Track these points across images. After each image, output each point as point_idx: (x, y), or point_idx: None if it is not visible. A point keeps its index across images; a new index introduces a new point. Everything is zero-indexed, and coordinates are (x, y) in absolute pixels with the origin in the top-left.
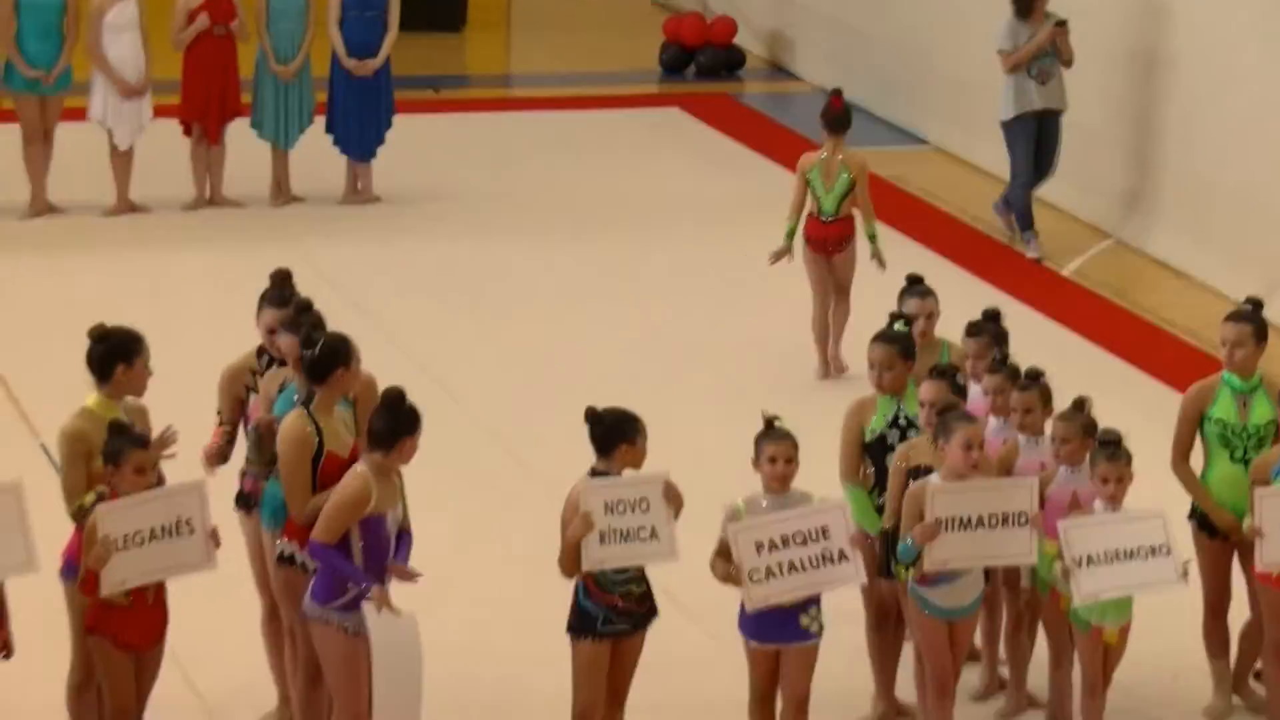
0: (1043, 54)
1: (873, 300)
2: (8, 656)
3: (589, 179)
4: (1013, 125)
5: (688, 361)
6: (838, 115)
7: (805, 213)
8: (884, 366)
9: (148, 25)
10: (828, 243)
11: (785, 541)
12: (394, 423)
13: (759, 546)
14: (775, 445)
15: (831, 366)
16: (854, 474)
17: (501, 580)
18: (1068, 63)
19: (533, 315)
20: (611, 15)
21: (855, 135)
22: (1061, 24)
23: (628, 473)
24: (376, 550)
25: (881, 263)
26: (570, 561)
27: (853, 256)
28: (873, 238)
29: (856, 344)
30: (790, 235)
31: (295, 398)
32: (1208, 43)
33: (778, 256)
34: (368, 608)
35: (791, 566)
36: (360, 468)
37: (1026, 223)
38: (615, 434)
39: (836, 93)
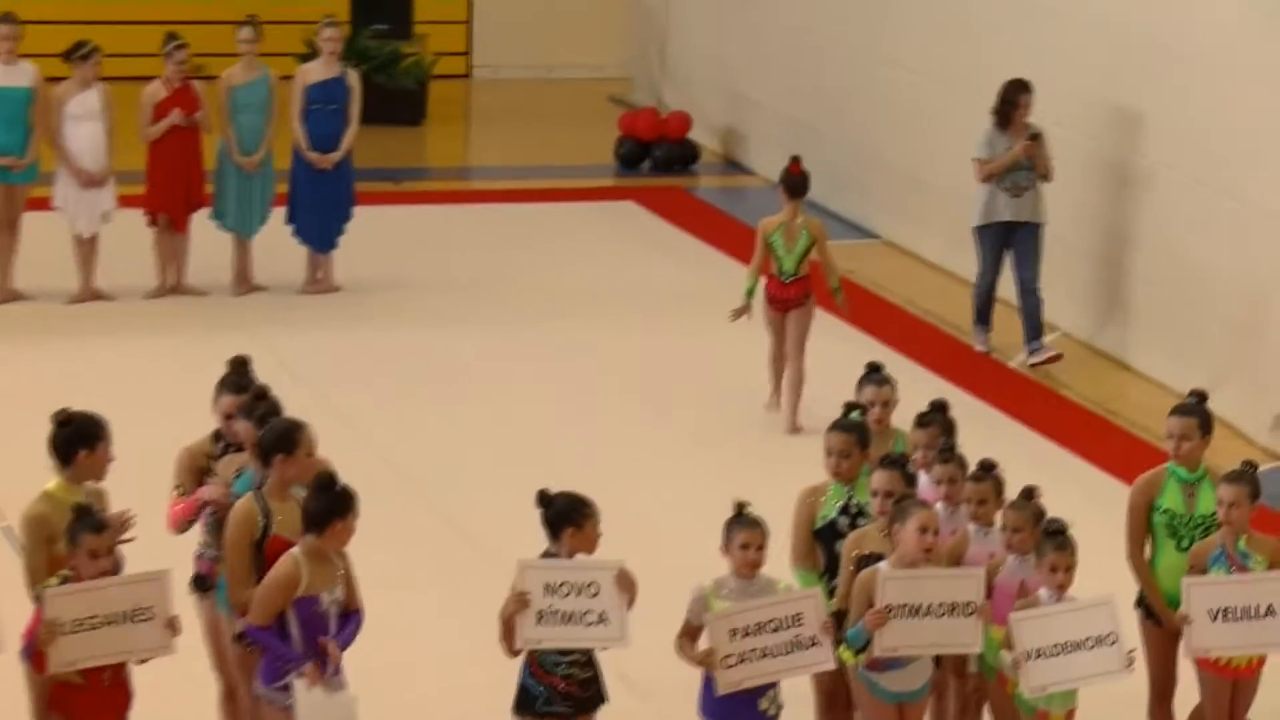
0: (1018, 166)
1: (827, 385)
2: None
3: (545, 269)
4: (979, 232)
5: (641, 444)
6: (796, 181)
7: (764, 274)
8: (841, 454)
9: (114, 116)
10: (788, 301)
11: (760, 628)
12: (325, 505)
13: (733, 633)
14: (746, 533)
15: (789, 424)
16: (806, 558)
17: (454, 660)
18: (1044, 177)
19: (488, 402)
20: (569, 110)
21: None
22: (1035, 137)
23: (580, 557)
24: (312, 630)
25: (843, 307)
26: (507, 637)
27: (809, 313)
28: (837, 290)
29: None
30: (749, 294)
31: (252, 482)
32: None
33: (738, 314)
34: (298, 685)
35: (765, 653)
36: (294, 550)
37: (979, 317)
38: (562, 518)
39: (795, 160)
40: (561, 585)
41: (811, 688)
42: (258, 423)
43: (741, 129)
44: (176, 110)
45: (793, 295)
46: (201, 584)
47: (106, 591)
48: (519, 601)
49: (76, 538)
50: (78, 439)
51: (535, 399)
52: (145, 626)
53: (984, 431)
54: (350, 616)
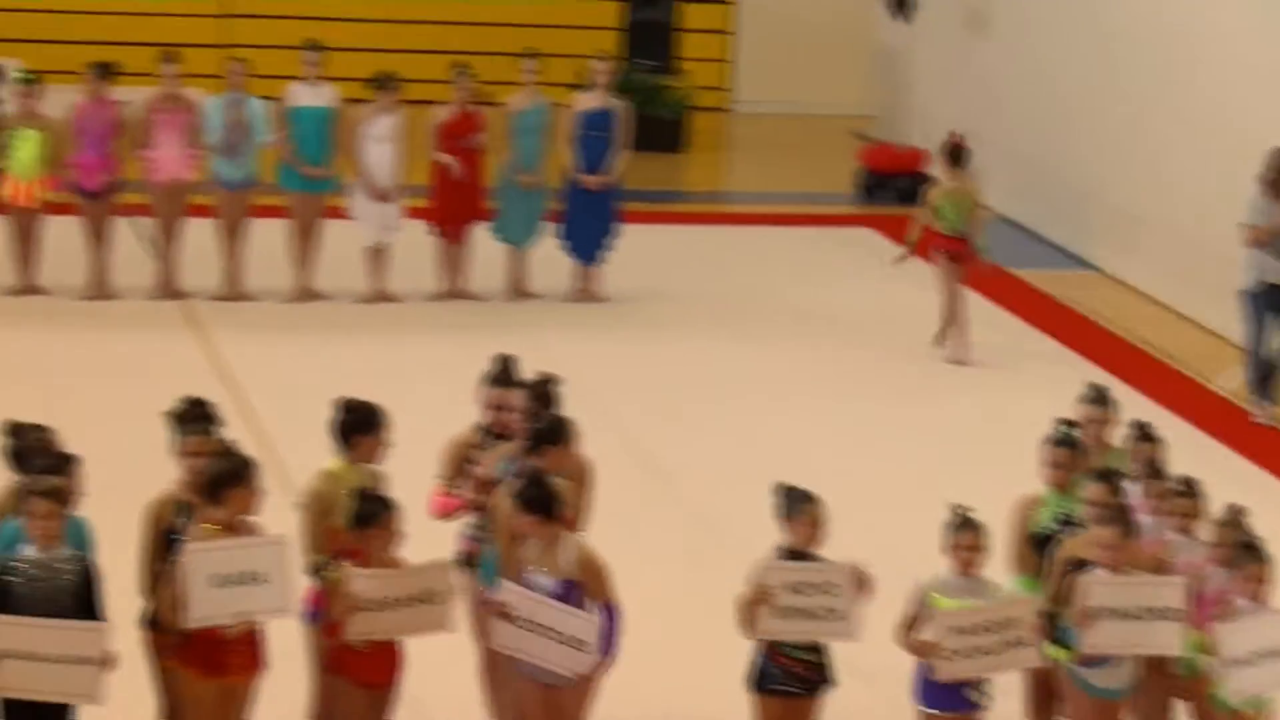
0: None
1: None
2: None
3: (790, 287)
4: (1249, 296)
5: (871, 450)
6: (957, 151)
7: (926, 229)
8: (1055, 466)
9: (407, 135)
10: (955, 252)
11: (979, 628)
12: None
13: (955, 630)
14: (968, 535)
15: (956, 354)
16: (1023, 565)
17: (698, 638)
18: None
19: (736, 407)
20: (814, 142)
21: (1026, 258)
22: None
23: (822, 561)
24: None
25: (986, 262)
26: (746, 623)
27: (970, 263)
28: (983, 249)
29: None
30: (911, 245)
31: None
32: None
33: (901, 259)
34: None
35: (981, 650)
36: None
37: (1253, 388)
38: (782, 511)
39: (954, 133)
40: (803, 584)
41: (1021, 680)
42: (532, 412)
43: (974, 164)
44: (456, 160)
45: (957, 247)
46: (467, 561)
47: (402, 577)
48: (760, 595)
49: (373, 517)
50: (357, 424)
51: (780, 404)
52: (432, 608)
53: (1188, 452)
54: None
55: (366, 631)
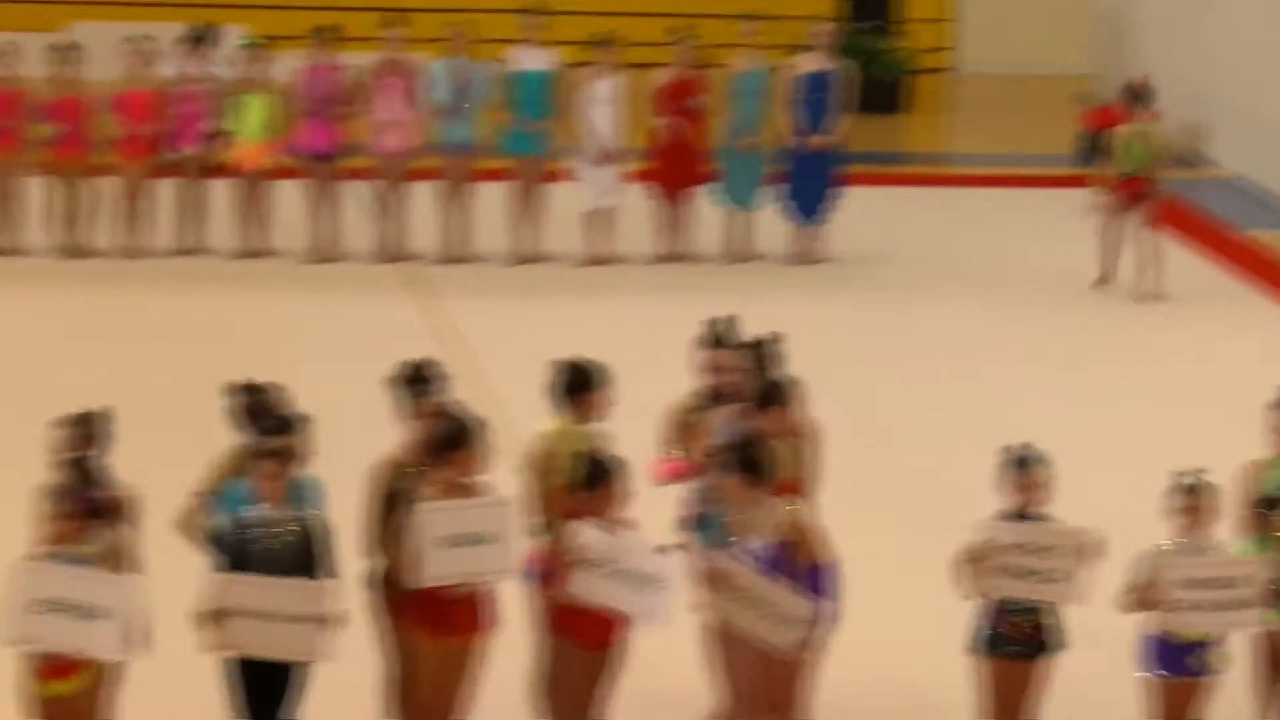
0: None
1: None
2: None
3: (1011, 249)
4: None
5: (1092, 411)
6: (1142, 91)
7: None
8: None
9: (628, 98)
10: (1138, 192)
11: (1207, 583)
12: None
13: (1184, 582)
14: (1192, 498)
15: (1143, 291)
16: (1253, 527)
17: (925, 606)
18: None
19: (959, 368)
20: (1036, 104)
21: (1257, 218)
22: None
23: (1048, 524)
24: None
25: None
26: (964, 581)
27: (1154, 203)
28: (1162, 188)
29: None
30: (1101, 196)
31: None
32: None
33: (1093, 209)
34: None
35: (1209, 605)
36: None
37: None
38: (1003, 475)
39: (1143, 76)
40: (1025, 546)
41: (1249, 648)
42: (753, 373)
43: (1202, 122)
44: (671, 119)
45: (1141, 188)
46: (691, 524)
47: (626, 541)
48: (979, 555)
49: (599, 480)
50: (580, 384)
51: (1001, 368)
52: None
53: None
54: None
55: (587, 591)
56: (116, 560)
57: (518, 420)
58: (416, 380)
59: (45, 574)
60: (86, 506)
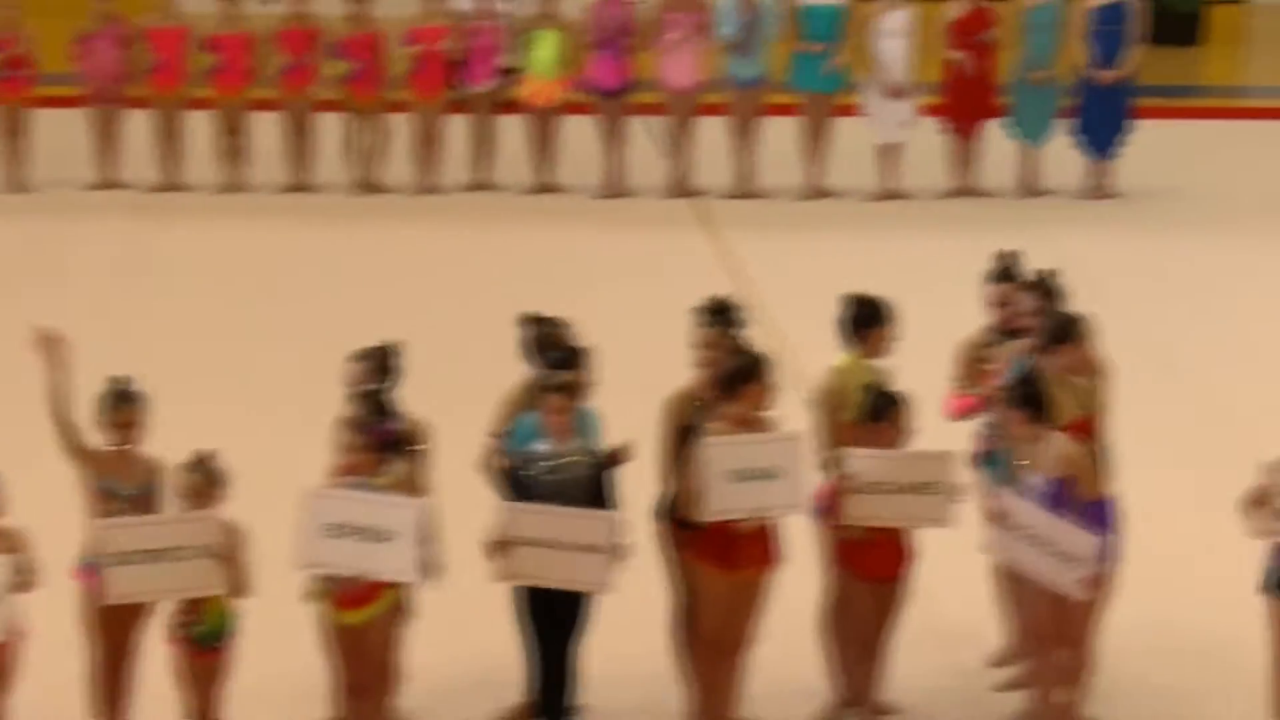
0: None
1: None
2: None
3: None
4: None
5: None
6: None
7: None
8: None
9: (918, 33)
10: None
11: None
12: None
13: None
14: None
15: None
16: None
17: (1218, 544)
18: None
19: (1254, 305)
20: None
21: None
22: None
23: None
24: None
25: None
26: (1251, 521)
27: None
28: None
29: None
30: None
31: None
32: None
33: None
34: None
35: None
36: None
37: None
38: None
39: None
40: None
41: None
42: (1042, 309)
43: None
44: (961, 52)
45: None
46: (978, 459)
47: (902, 461)
48: (1265, 494)
49: (883, 413)
50: (868, 318)
51: None
52: (931, 499)
53: None
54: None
55: (863, 516)
56: (409, 491)
57: (805, 356)
58: (715, 315)
59: (338, 500)
60: (379, 439)
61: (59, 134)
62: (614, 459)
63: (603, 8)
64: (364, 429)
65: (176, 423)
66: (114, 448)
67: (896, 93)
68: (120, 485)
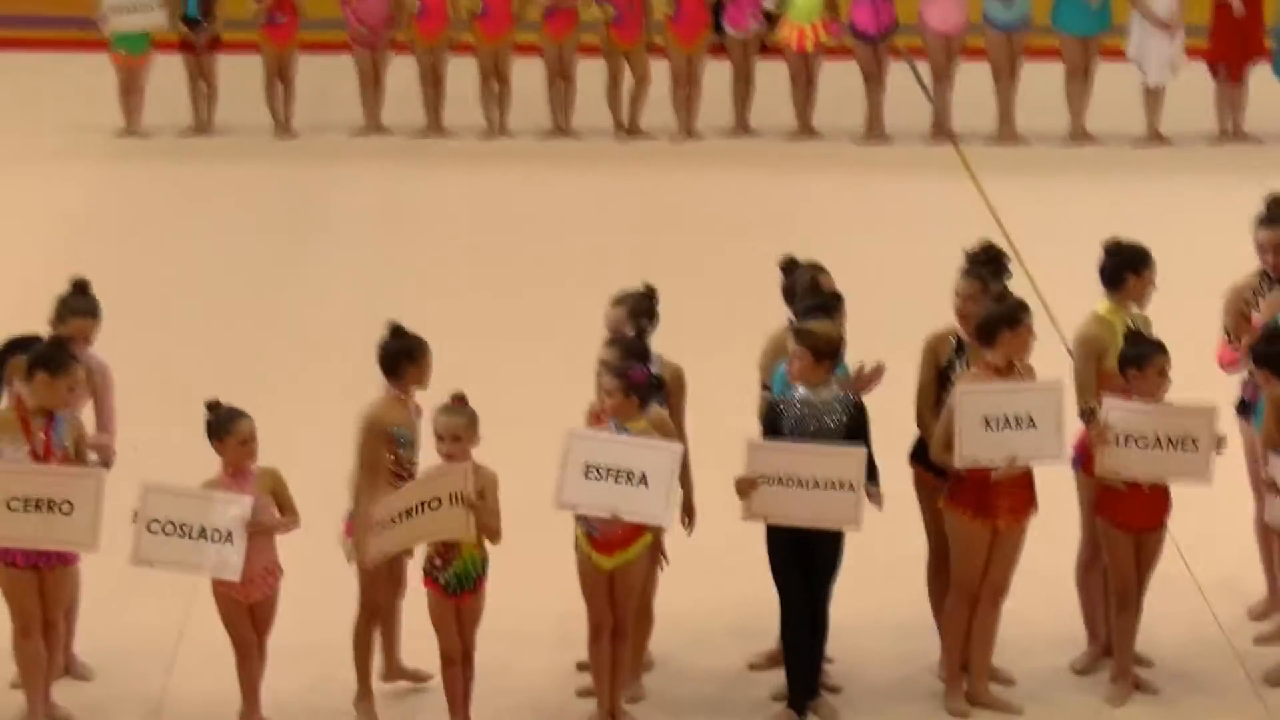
0: None
1: None
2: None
3: None
4: None
5: None
6: None
7: None
8: None
9: None
10: None
11: None
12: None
13: None
14: None
15: None
16: None
17: None
18: None
19: None
20: None
21: None
22: None
23: None
24: None
25: None
26: None
27: None
28: None
29: None
30: None
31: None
32: None
33: None
34: None
35: None
36: None
37: None
38: None
39: None
40: None
41: None
42: None
43: None
44: None
45: None
46: (1244, 407)
47: (1161, 414)
48: None
49: (1143, 361)
50: (1127, 266)
51: None
52: (1188, 455)
53: None
54: None
55: (1119, 468)
56: (666, 436)
57: (1065, 303)
58: (978, 262)
59: (598, 441)
60: (637, 382)
61: (323, 79)
62: (864, 380)
63: None
64: (622, 372)
65: (438, 368)
66: (399, 396)
67: (1163, 34)
68: (405, 432)
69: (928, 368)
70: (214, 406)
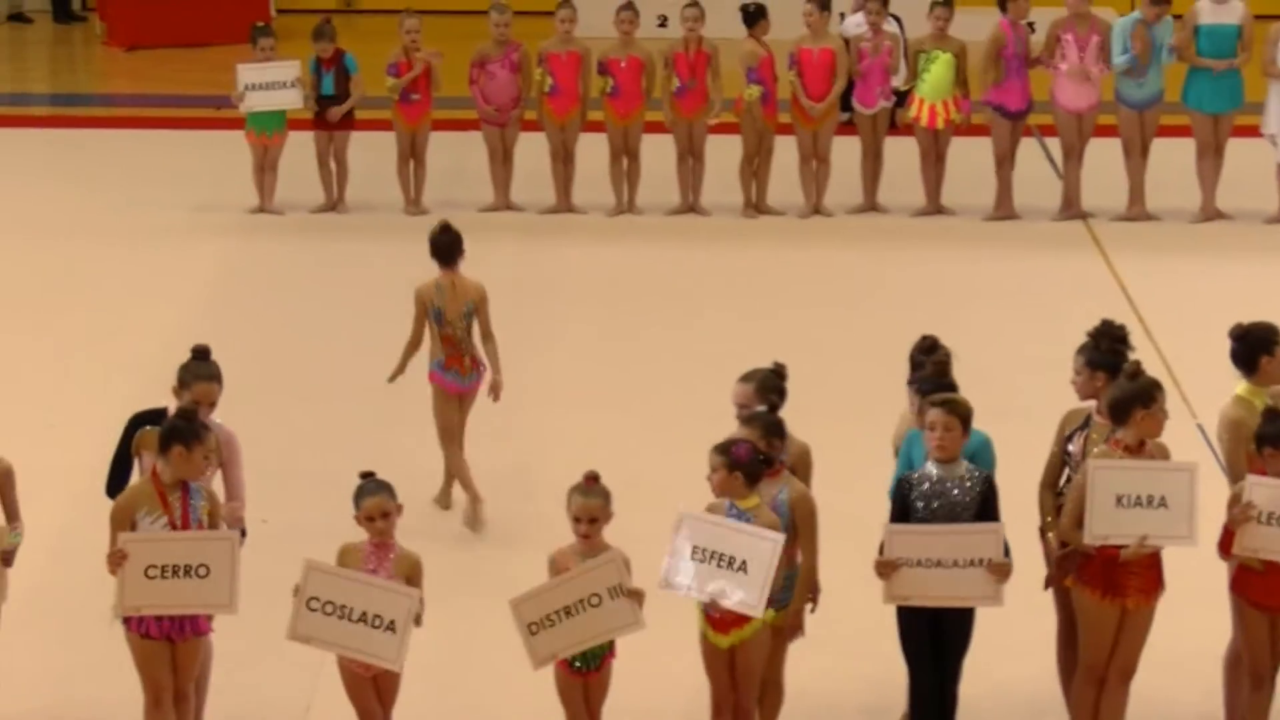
0: None
1: None
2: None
3: None
4: None
5: None
6: None
7: None
8: None
9: None
10: None
11: None
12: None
13: None
14: None
15: None
16: None
17: None
18: None
19: None
20: None
21: None
22: None
23: None
24: None
25: None
26: None
27: None
28: None
29: None
30: None
31: None
32: None
33: None
34: None
35: None
36: None
37: None
38: None
39: None
40: None
41: None
42: None
43: None
44: None
45: None
46: None
47: None
48: None
49: (1276, 440)
50: (1258, 346)
51: None
52: None
53: None
54: None
55: (1257, 548)
56: (801, 511)
57: (1197, 382)
58: (1106, 339)
59: (707, 525)
60: (738, 459)
61: (454, 156)
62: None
63: (1010, 29)
64: (725, 449)
65: (566, 437)
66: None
67: None
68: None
69: (1060, 442)
70: (366, 476)
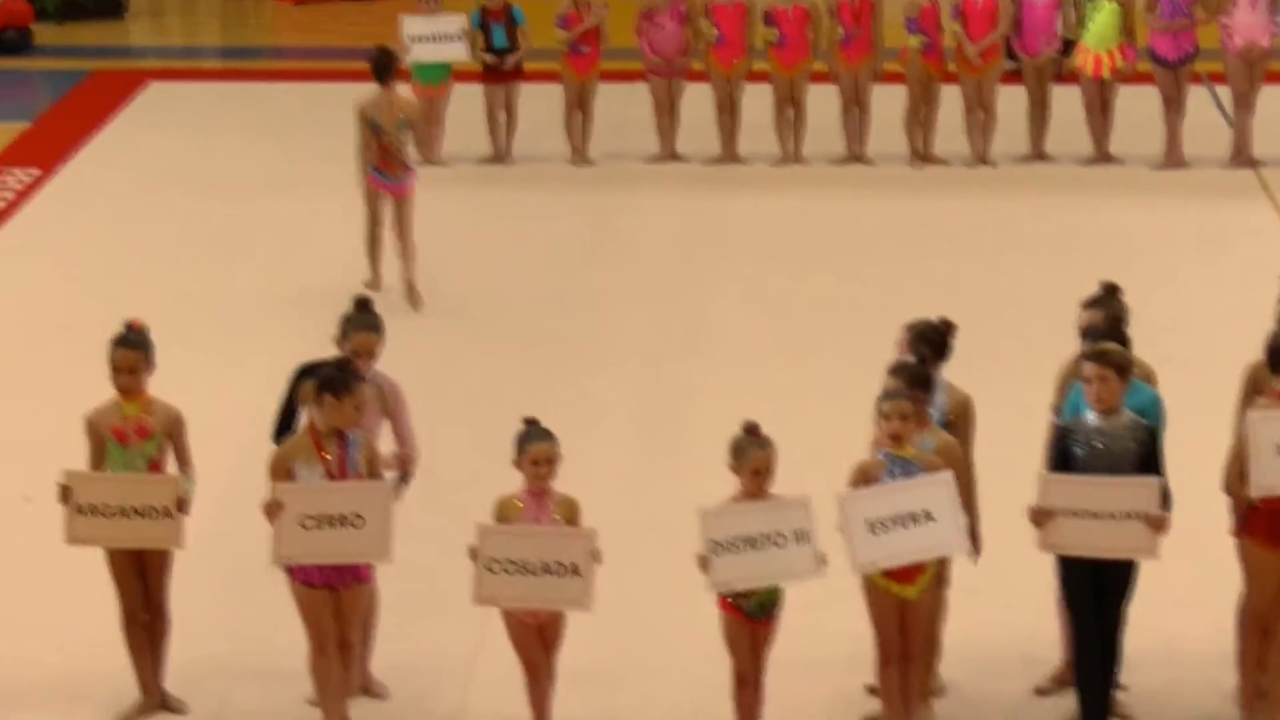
0: None
1: None
2: None
3: None
4: None
5: None
6: None
7: None
8: None
9: None
10: None
11: None
12: None
13: None
14: None
15: None
16: None
17: None
18: None
19: None
20: None
21: None
22: None
23: None
24: None
25: None
26: None
27: None
28: None
29: None
30: None
31: None
32: None
33: None
34: None
35: None
36: None
37: None
38: None
39: None
40: None
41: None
42: None
43: None
44: None
45: None
46: None
47: None
48: None
49: None
50: None
51: None
52: None
53: None
54: None
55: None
56: (948, 460)
57: None
58: None
59: (869, 499)
60: (912, 411)
61: (621, 108)
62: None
63: None
64: (900, 399)
65: (729, 389)
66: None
67: None
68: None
69: (1243, 396)
70: (531, 423)
